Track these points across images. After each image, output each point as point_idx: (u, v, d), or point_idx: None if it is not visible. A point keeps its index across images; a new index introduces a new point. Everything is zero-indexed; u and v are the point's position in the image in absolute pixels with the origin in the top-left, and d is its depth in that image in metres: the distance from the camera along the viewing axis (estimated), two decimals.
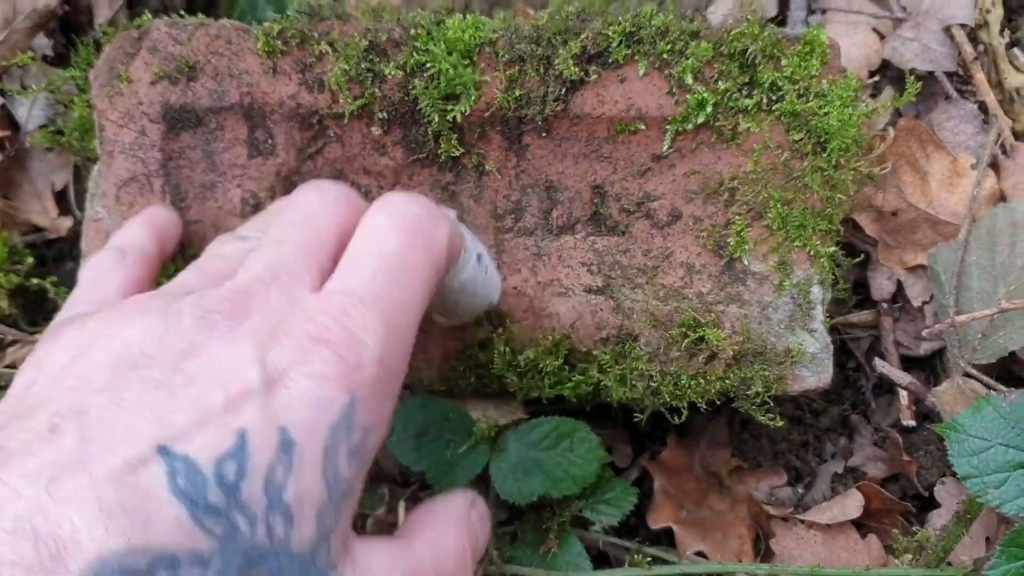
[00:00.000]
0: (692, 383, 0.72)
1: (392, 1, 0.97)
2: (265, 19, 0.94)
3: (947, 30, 0.92)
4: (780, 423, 0.74)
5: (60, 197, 0.98)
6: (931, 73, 0.93)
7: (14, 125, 0.96)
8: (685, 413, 0.73)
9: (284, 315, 0.45)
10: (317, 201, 0.54)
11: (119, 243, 0.63)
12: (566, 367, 0.74)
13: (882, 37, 0.96)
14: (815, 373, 0.74)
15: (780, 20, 0.97)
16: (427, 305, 0.52)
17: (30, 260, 0.96)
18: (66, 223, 0.97)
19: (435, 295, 0.55)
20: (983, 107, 0.91)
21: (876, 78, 0.95)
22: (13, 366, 0.90)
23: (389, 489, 0.83)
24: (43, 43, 0.95)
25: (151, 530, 0.36)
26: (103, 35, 0.84)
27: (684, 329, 0.73)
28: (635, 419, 0.75)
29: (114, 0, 0.98)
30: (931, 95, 0.93)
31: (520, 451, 0.78)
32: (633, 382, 0.73)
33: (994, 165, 0.88)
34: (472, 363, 0.75)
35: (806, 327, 0.74)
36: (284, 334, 0.43)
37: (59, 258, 0.99)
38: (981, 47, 0.92)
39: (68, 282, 0.95)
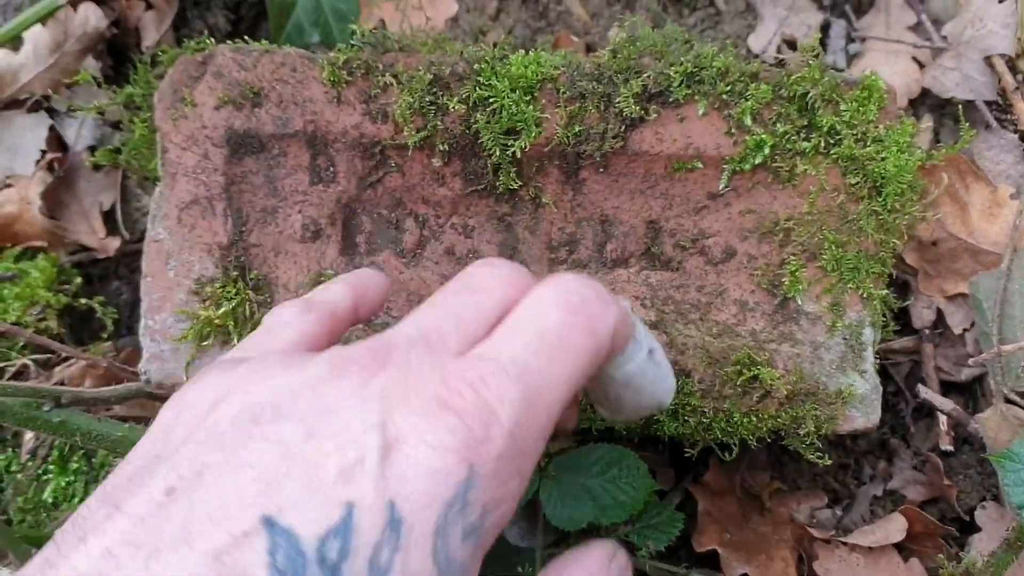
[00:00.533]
0: (744, 421, 0.74)
1: (437, 25, 0.98)
2: (311, 44, 0.95)
3: (987, 59, 0.93)
4: (828, 462, 0.76)
5: (108, 217, 0.99)
6: (971, 102, 0.94)
7: (63, 146, 0.97)
8: (735, 450, 0.75)
9: (420, 375, 0.42)
10: (484, 274, 0.51)
11: (310, 296, 0.59)
12: None
13: (922, 66, 0.96)
14: (864, 414, 0.75)
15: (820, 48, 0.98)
16: (579, 390, 0.48)
17: (78, 280, 0.97)
18: (114, 243, 0.98)
19: (596, 384, 0.53)
20: (1023, 136, 0.92)
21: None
22: (63, 383, 0.92)
23: None
24: (92, 65, 0.96)
25: None
26: (161, 53, 0.85)
27: (739, 367, 0.74)
28: (686, 454, 0.76)
29: (161, 23, 0.99)
30: (972, 124, 0.94)
31: (569, 478, 0.79)
32: (686, 418, 0.75)
33: None
34: None
35: (857, 368, 0.75)
36: (414, 395, 0.41)
37: (105, 277, 1.00)
38: (1020, 76, 0.93)
39: (114, 301, 0.97)
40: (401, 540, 0.38)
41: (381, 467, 0.38)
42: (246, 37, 0.79)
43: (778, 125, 0.73)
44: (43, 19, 0.91)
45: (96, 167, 0.98)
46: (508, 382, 0.42)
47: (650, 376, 0.55)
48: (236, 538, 0.36)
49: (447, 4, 0.99)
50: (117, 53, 1.00)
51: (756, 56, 0.95)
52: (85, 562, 0.37)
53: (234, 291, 0.76)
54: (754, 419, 0.74)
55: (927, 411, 0.92)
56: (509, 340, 0.45)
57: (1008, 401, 0.84)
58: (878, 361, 0.76)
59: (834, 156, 0.73)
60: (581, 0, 0.99)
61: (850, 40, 0.98)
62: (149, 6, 1.00)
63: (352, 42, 0.77)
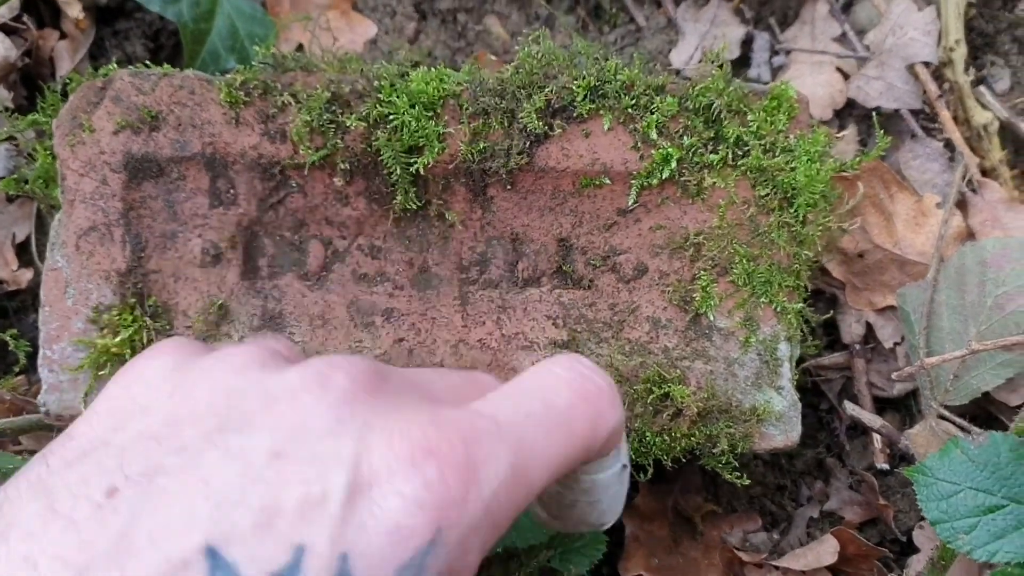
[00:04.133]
0: (657, 440, 0.72)
1: (356, 49, 0.97)
2: (228, 69, 0.94)
3: (911, 68, 0.92)
4: (746, 482, 0.73)
5: (21, 249, 0.96)
6: (897, 111, 0.92)
7: None
8: (650, 471, 0.72)
9: (411, 414, 0.38)
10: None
11: None
12: None
13: (846, 76, 0.95)
14: (783, 431, 0.73)
15: (744, 61, 0.96)
16: (554, 480, 0.44)
17: None
18: (26, 275, 0.95)
19: (558, 485, 0.50)
20: (949, 145, 0.91)
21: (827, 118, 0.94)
22: None
23: None
24: (3, 95, 0.94)
25: None
26: (69, 81, 0.83)
27: (649, 385, 0.72)
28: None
29: (76, 52, 0.97)
30: (896, 133, 0.93)
31: None
32: None
33: (961, 203, 0.88)
34: None
35: (773, 384, 0.73)
36: (399, 435, 0.37)
37: (21, 310, 0.97)
38: (947, 85, 0.92)
39: (29, 334, 0.94)
40: None
41: (343, 511, 0.35)
42: (148, 63, 0.77)
43: (685, 138, 0.71)
44: None
45: (9, 198, 0.95)
46: (501, 446, 0.39)
47: (612, 492, 0.51)
48: (174, 566, 0.33)
49: (365, 26, 0.97)
50: (31, 83, 0.98)
51: (678, 72, 0.93)
52: (4, 564, 0.34)
53: (131, 318, 0.73)
54: (667, 438, 0.72)
55: (863, 429, 0.90)
56: (512, 402, 0.42)
57: (940, 416, 0.82)
58: (807, 378, 0.74)
59: (743, 168, 0.72)
60: (500, 20, 0.98)
61: (774, 53, 0.96)
62: (63, 36, 0.98)
63: (252, 63, 0.75)
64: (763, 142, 0.71)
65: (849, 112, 0.94)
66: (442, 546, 0.36)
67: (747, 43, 0.96)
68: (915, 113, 0.92)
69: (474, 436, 0.38)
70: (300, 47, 0.98)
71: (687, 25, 0.95)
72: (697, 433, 0.72)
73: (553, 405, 0.43)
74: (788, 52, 0.96)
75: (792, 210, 0.72)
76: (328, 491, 0.35)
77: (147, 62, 0.77)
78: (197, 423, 0.37)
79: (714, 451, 0.72)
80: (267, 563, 0.34)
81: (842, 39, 0.95)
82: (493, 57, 0.94)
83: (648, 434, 0.72)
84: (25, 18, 0.98)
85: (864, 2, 0.96)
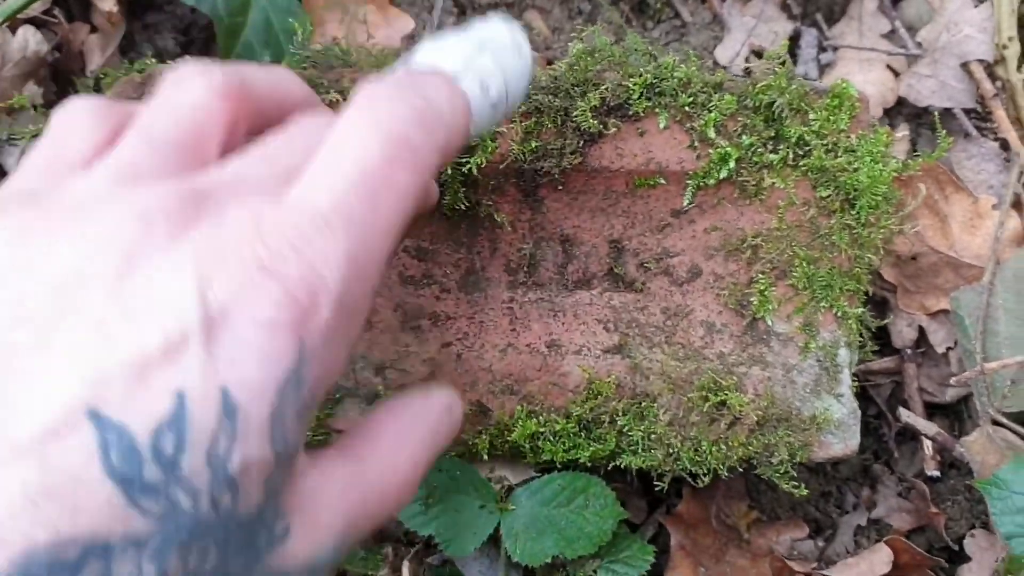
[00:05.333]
0: (713, 449, 0.70)
1: (393, 44, 0.95)
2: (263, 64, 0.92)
3: (965, 66, 0.90)
4: (804, 492, 0.71)
5: None
6: (949, 110, 0.90)
7: (3, 174, 0.93)
8: (707, 480, 0.70)
9: (237, 229, 0.36)
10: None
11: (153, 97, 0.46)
12: (582, 432, 0.72)
13: (897, 74, 0.93)
14: (842, 440, 0.71)
15: (791, 58, 0.94)
16: (402, 233, 0.42)
17: None
18: None
19: None
20: (1004, 144, 0.89)
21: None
22: None
23: (392, 549, 0.80)
24: (33, 91, 0.92)
25: (81, 517, 0.32)
26: (103, 76, 0.81)
27: (704, 392, 0.70)
28: (655, 486, 0.72)
29: (107, 47, 0.95)
30: (950, 133, 0.90)
31: (532, 509, 0.75)
32: (651, 448, 0.70)
33: (1017, 204, 0.86)
34: (484, 426, 0.72)
35: (832, 391, 0.71)
36: (233, 256, 0.36)
37: None
38: (999, 83, 0.90)
39: None
40: (238, 429, 0.34)
41: (207, 348, 0.34)
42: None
43: (744, 137, 0.69)
44: None
45: None
46: (332, 239, 0.37)
47: (487, 116, 0.48)
48: (59, 432, 0.32)
49: (403, 20, 0.95)
50: (61, 78, 0.96)
51: (724, 68, 0.91)
52: None
53: None
54: (723, 448, 0.70)
55: (911, 435, 0.88)
56: (329, 184, 0.39)
57: (995, 423, 0.80)
58: (856, 383, 0.72)
59: (803, 168, 0.70)
60: (542, 14, 0.96)
61: (822, 49, 0.94)
62: (94, 29, 0.96)
63: (295, 54, 0.74)
64: (825, 142, 0.69)
65: (899, 111, 0.92)
66: (310, 355, 0.36)
67: (794, 39, 0.94)
68: (968, 112, 0.90)
69: (303, 237, 0.37)
70: (335, 41, 0.96)
71: (733, 20, 0.93)
72: (755, 442, 0.70)
73: (368, 168, 0.39)
74: (836, 49, 0.94)
75: (854, 212, 0.70)
76: (186, 331, 0.34)
77: (185, 57, 0.75)
78: (40, 295, 0.36)
79: (772, 460, 0.70)
80: (151, 415, 0.33)
81: (891, 35, 0.93)
82: (535, 53, 0.91)
83: (704, 443, 0.70)
84: (56, 11, 0.96)
85: None
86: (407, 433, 0.46)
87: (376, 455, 0.44)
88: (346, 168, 0.39)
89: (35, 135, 0.88)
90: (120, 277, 0.35)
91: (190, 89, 0.43)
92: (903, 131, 0.90)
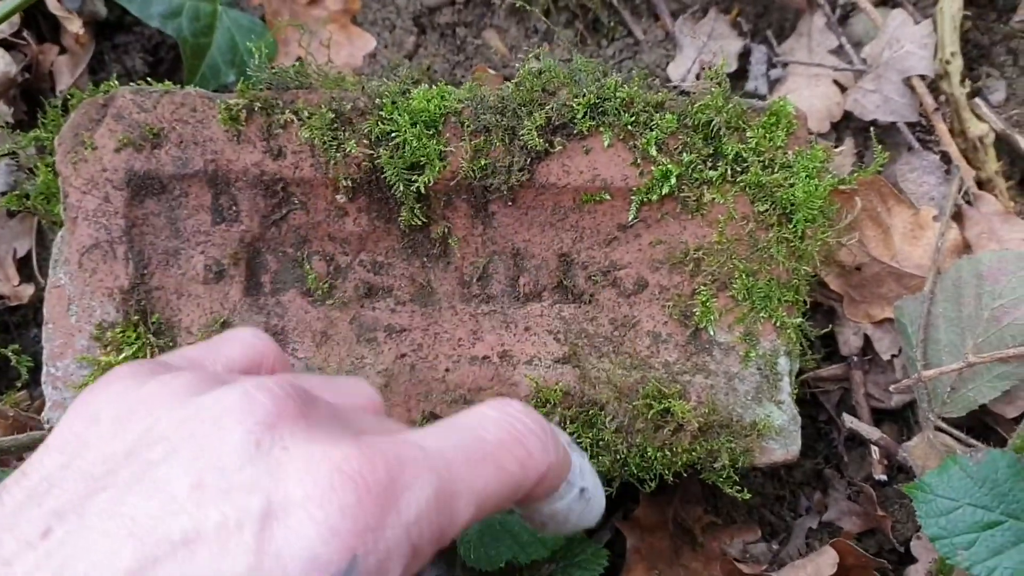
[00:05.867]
0: (658, 455, 0.72)
1: (355, 63, 0.97)
2: (228, 84, 0.94)
3: (907, 81, 0.92)
4: (747, 496, 0.74)
5: (23, 264, 0.96)
6: (893, 124, 0.93)
7: None
8: (653, 484, 0.73)
9: (334, 437, 0.38)
10: None
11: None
12: None
13: (844, 89, 0.96)
14: (783, 446, 0.74)
15: (741, 74, 0.97)
16: (488, 514, 0.44)
17: None
18: (27, 290, 0.95)
19: (523, 507, 0.50)
20: (946, 157, 0.91)
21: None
22: None
23: None
24: (3, 111, 0.94)
25: None
26: (70, 97, 0.83)
27: (649, 400, 0.72)
28: (609, 493, 0.74)
29: (76, 67, 0.97)
30: (893, 145, 0.93)
31: (485, 517, 0.77)
32: (600, 455, 0.73)
33: (957, 215, 0.88)
34: None
35: (773, 399, 0.74)
36: (321, 456, 0.36)
37: (22, 325, 0.97)
38: (943, 97, 0.92)
39: (31, 349, 0.94)
40: None
41: (258, 539, 0.34)
42: (149, 80, 0.78)
43: (684, 154, 0.72)
44: None
45: (10, 213, 0.95)
46: (425, 473, 0.38)
47: (576, 511, 0.52)
48: None
49: (365, 40, 0.98)
50: (31, 98, 0.98)
51: (676, 85, 0.94)
52: None
53: (135, 335, 0.74)
54: (668, 453, 0.72)
55: (860, 440, 0.91)
56: (440, 435, 0.41)
57: (937, 428, 0.82)
58: (804, 390, 0.74)
59: (742, 184, 0.72)
60: (499, 33, 0.98)
61: (772, 65, 0.97)
62: (63, 50, 0.98)
63: (250, 76, 0.76)
64: (762, 158, 0.72)
65: (846, 125, 0.95)
66: (359, 573, 0.35)
67: (744, 56, 0.97)
68: (911, 126, 0.92)
69: (398, 462, 0.37)
70: (299, 60, 0.98)
71: (685, 39, 0.95)
72: (698, 448, 0.72)
73: (482, 439, 0.42)
74: (785, 65, 0.96)
75: (791, 226, 0.73)
76: (242, 519, 0.35)
77: (148, 79, 0.78)
78: (128, 457, 0.38)
79: (715, 466, 0.73)
80: None
81: (839, 51, 0.96)
82: (492, 71, 0.94)
83: (649, 449, 0.72)
84: (25, 33, 0.98)
85: (860, 15, 0.96)
86: None
87: None
88: (460, 430, 0.42)
89: (6, 154, 0.89)
90: (199, 449, 0.37)
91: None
92: (846, 145, 0.93)
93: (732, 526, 0.90)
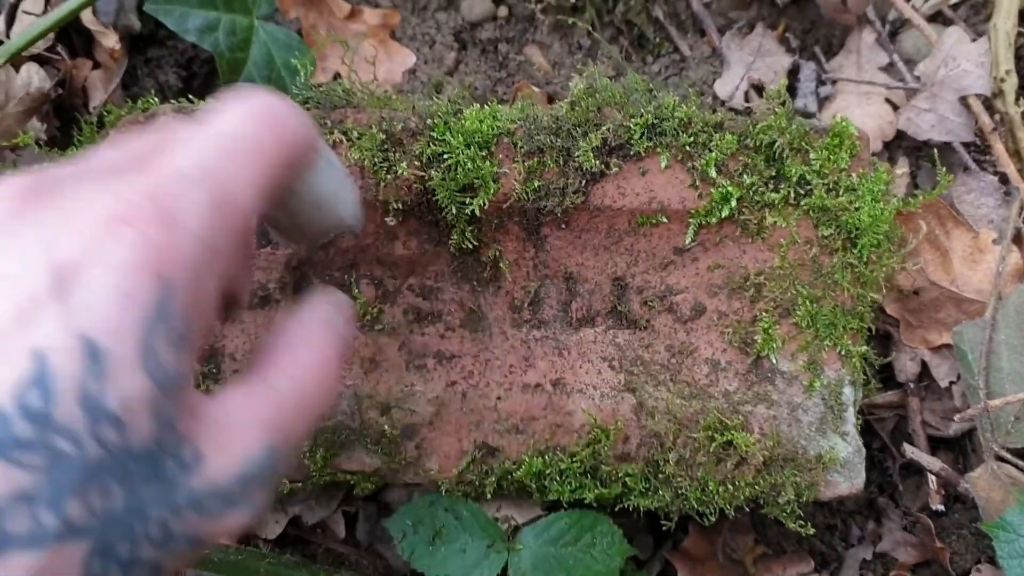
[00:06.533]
0: (720, 489, 0.70)
1: (394, 79, 0.95)
2: None
3: (963, 100, 0.90)
4: (811, 531, 0.71)
5: None
6: (948, 144, 0.91)
7: None
8: (713, 519, 0.70)
9: (89, 199, 0.38)
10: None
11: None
12: (587, 474, 0.72)
13: (896, 107, 0.94)
14: (848, 479, 0.71)
15: (790, 91, 0.95)
16: (270, 205, 0.46)
17: None
18: None
19: (281, 206, 0.50)
20: (1004, 178, 0.89)
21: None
22: None
23: None
24: (37, 127, 0.92)
25: None
26: (107, 113, 0.81)
27: (711, 432, 0.70)
28: (663, 526, 0.72)
29: (109, 82, 0.95)
30: (950, 167, 0.91)
31: (539, 548, 0.75)
32: (659, 489, 0.71)
33: (1018, 238, 0.86)
34: (489, 465, 0.72)
35: (838, 430, 0.71)
36: (81, 218, 0.37)
37: None
38: (997, 116, 0.90)
39: None
40: (107, 369, 0.35)
41: (60, 302, 0.35)
42: (191, 97, 0.76)
43: (745, 176, 0.70)
44: None
45: None
46: (193, 188, 0.39)
47: (334, 189, 0.53)
48: None
49: (404, 55, 0.96)
50: (64, 114, 0.96)
51: (723, 103, 0.92)
52: None
53: None
54: (730, 487, 0.70)
55: (915, 469, 0.88)
56: (192, 146, 0.42)
57: (999, 458, 0.80)
58: (860, 418, 0.72)
59: (805, 207, 0.70)
60: (542, 49, 0.96)
61: (820, 83, 0.95)
62: (96, 65, 0.97)
63: (298, 94, 0.74)
64: (826, 181, 0.70)
65: (898, 144, 0.93)
66: (175, 289, 0.37)
67: (792, 72, 0.94)
68: (967, 146, 0.90)
69: (160, 190, 0.38)
70: (337, 76, 0.96)
71: (732, 55, 0.93)
72: (762, 482, 0.70)
73: (233, 133, 0.43)
74: (834, 82, 0.94)
75: (856, 250, 0.70)
76: (34, 293, 0.35)
77: (188, 94, 0.76)
78: None
79: (779, 500, 0.70)
80: (12, 379, 0.34)
81: (889, 69, 0.94)
82: (536, 88, 0.92)
83: (711, 483, 0.70)
84: (59, 48, 0.97)
85: (910, 32, 0.94)
86: (302, 341, 0.47)
87: (280, 366, 0.45)
88: (209, 133, 0.42)
89: None
90: None
91: None
92: (903, 167, 0.91)
93: (783, 557, 0.88)
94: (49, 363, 0.34)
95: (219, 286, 0.41)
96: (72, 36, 0.98)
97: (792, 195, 0.70)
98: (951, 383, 0.85)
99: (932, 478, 0.84)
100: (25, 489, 0.33)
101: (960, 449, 0.88)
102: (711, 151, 0.70)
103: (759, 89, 0.94)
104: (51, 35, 0.95)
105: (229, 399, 0.42)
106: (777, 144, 0.69)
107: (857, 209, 0.70)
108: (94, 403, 0.34)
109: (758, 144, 0.70)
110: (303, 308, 0.49)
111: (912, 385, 0.86)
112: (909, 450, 0.82)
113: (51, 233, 0.36)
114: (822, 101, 0.94)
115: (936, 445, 0.88)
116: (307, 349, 0.46)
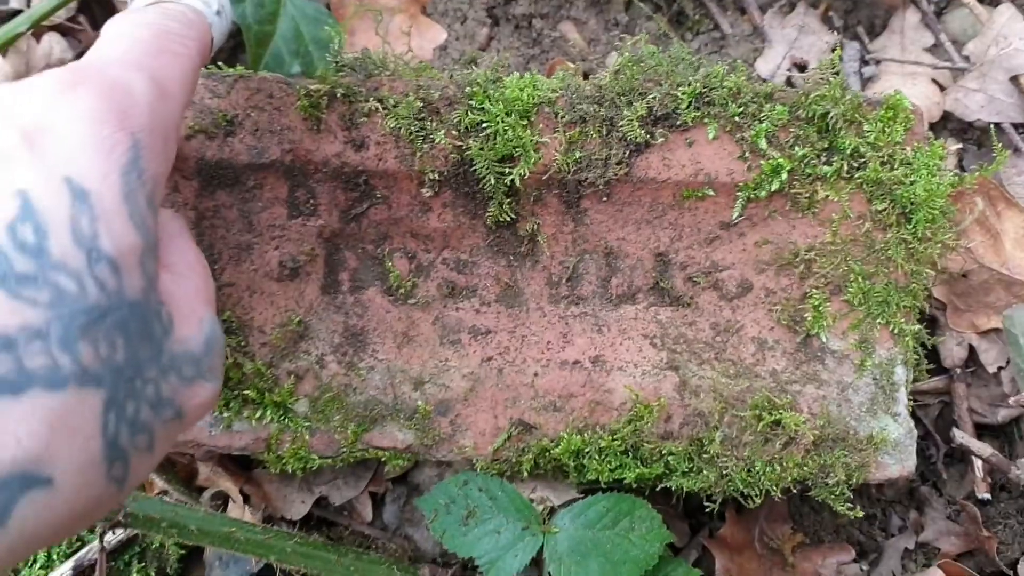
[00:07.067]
0: (767, 470, 0.67)
1: (424, 55, 0.93)
2: (291, 74, 0.90)
3: (1014, 79, 0.87)
4: (860, 514, 0.69)
5: None
6: (998, 125, 0.88)
7: None
8: (759, 500, 0.68)
9: (38, 77, 0.40)
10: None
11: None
12: (628, 452, 0.69)
13: (942, 88, 0.91)
14: (898, 461, 0.69)
15: None
16: (190, 92, 0.50)
17: None
18: None
19: None
20: None
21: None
22: None
23: (430, 570, 0.78)
24: None
25: None
26: None
27: (758, 411, 0.68)
28: (705, 508, 0.70)
29: None
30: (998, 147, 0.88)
31: (576, 532, 0.72)
32: (703, 469, 0.68)
33: None
34: (526, 443, 0.70)
35: (889, 411, 0.69)
36: (31, 86, 0.39)
37: None
38: None
39: None
40: (95, 210, 0.36)
41: (32, 153, 0.36)
42: (221, 65, 0.74)
43: (796, 148, 0.67)
44: (3, 49, 0.86)
45: None
46: (130, 70, 0.42)
47: (218, 30, 0.60)
48: None
49: (435, 31, 0.94)
50: None
51: (764, 81, 0.89)
52: None
53: None
54: (778, 468, 0.67)
55: (959, 456, 0.86)
56: (115, 45, 0.45)
57: None
58: (910, 403, 0.69)
59: (858, 181, 0.68)
60: (577, 25, 0.94)
61: (864, 63, 0.92)
62: None
63: (331, 63, 0.72)
64: (880, 154, 0.67)
65: (944, 125, 0.90)
66: (143, 147, 0.39)
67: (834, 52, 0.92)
68: (1017, 127, 0.88)
69: (102, 63, 0.42)
70: (366, 51, 0.94)
71: (774, 32, 0.91)
72: (811, 463, 0.67)
73: (144, 39, 0.46)
74: (878, 62, 0.92)
75: (910, 226, 0.68)
76: (5, 150, 0.36)
77: (219, 63, 0.74)
78: None
79: (828, 482, 0.68)
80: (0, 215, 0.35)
81: (934, 49, 0.91)
82: (571, 64, 0.90)
83: (758, 463, 0.67)
84: (80, 18, 0.95)
85: (957, 11, 0.92)
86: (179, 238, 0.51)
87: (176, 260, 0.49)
88: (123, 39, 0.46)
89: None
90: None
91: None
92: (955, 144, 0.88)
93: (822, 546, 0.85)
94: (33, 201, 0.35)
95: (170, 159, 0.44)
96: (93, 6, 0.96)
97: (845, 168, 0.67)
98: (999, 368, 0.83)
99: (979, 465, 0.81)
100: (34, 325, 0.33)
101: (1006, 436, 0.86)
102: (761, 122, 0.67)
103: (801, 68, 0.91)
104: (73, 5, 0.93)
105: (166, 279, 0.44)
106: (831, 115, 0.67)
107: (912, 183, 0.67)
108: (88, 242, 0.36)
109: (810, 115, 0.67)
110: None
111: (959, 371, 0.84)
112: (958, 435, 0.79)
113: (8, 104, 0.38)
114: (865, 82, 0.92)
115: (981, 432, 0.85)
116: (188, 246, 0.51)
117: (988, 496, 0.81)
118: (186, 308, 0.43)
